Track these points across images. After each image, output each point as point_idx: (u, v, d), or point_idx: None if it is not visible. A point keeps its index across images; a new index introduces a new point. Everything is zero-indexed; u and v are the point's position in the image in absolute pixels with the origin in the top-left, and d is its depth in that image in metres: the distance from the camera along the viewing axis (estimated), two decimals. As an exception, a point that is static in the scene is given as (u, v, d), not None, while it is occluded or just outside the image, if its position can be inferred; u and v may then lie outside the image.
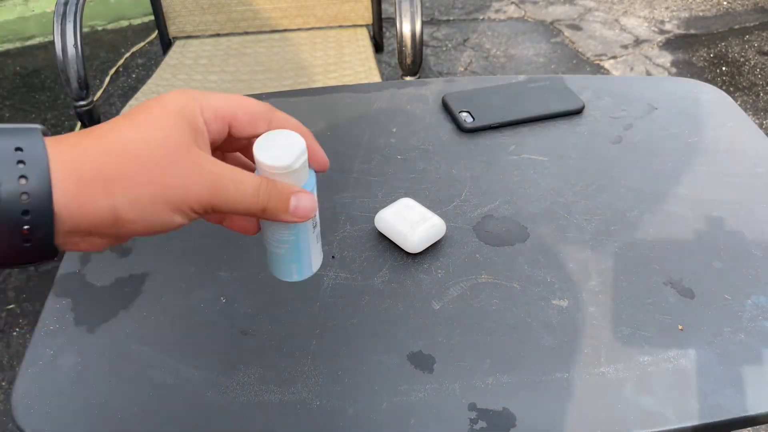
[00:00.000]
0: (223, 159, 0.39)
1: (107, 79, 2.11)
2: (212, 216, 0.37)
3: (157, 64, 1.34)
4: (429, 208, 0.62)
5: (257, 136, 0.36)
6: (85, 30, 2.31)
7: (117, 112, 1.92)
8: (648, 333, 0.51)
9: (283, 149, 0.36)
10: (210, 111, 0.34)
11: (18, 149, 0.29)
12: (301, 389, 0.47)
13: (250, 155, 0.38)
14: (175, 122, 0.32)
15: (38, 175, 0.28)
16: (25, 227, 0.28)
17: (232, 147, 0.38)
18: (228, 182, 0.33)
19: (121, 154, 0.30)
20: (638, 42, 2.29)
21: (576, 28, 2.38)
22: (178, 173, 0.31)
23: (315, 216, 0.39)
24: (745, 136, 0.72)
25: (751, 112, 1.94)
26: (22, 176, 0.28)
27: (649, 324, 0.52)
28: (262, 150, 0.36)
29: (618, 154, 0.69)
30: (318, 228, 0.41)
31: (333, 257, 0.57)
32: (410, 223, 0.57)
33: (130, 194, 0.30)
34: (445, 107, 0.76)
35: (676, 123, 0.74)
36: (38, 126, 0.31)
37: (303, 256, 0.41)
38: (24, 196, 0.28)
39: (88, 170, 0.30)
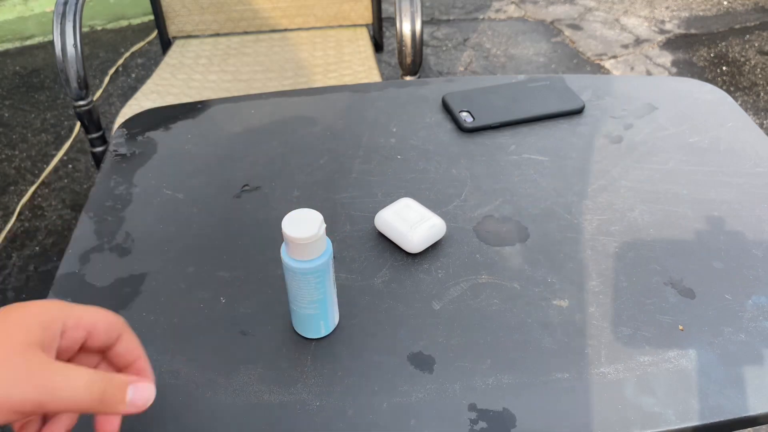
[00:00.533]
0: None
1: (107, 79, 2.11)
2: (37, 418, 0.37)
3: (156, 64, 1.34)
4: (429, 208, 0.62)
5: (109, 346, 0.39)
6: (84, 30, 2.31)
7: (116, 112, 1.92)
8: (648, 333, 0.51)
9: (306, 224, 0.44)
10: (73, 319, 0.36)
11: None
12: (301, 390, 0.47)
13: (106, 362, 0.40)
14: (27, 324, 0.34)
15: None
16: None
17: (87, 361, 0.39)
18: (59, 378, 0.33)
19: None
20: (639, 42, 2.29)
21: (576, 27, 2.38)
22: (12, 375, 0.32)
23: (333, 275, 0.48)
24: (746, 136, 0.72)
25: (751, 112, 1.94)
26: None
27: (650, 324, 0.51)
28: (288, 226, 0.44)
29: (618, 153, 0.69)
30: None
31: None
32: (410, 223, 0.57)
33: None
34: (445, 107, 0.76)
35: (677, 123, 0.74)
36: None
37: (329, 312, 0.49)
38: None
39: None
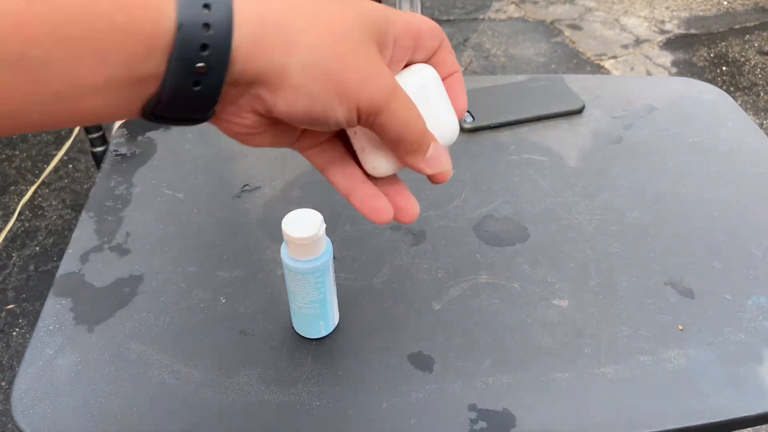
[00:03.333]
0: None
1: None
2: (338, 149, 0.33)
3: (157, 64, 1.33)
4: (429, 207, 0.62)
5: (434, 53, 0.33)
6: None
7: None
8: (648, 333, 0.51)
9: (306, 224, 0.44)
10: (402, 24, 0.30)
11: None
12: (301, 390, 0.47)
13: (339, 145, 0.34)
14: (369, 21, 0.29)
15: (222, 9, 0.25)
16: (199, 64, 0.24)
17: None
18: (402, 96, 0.28)
19: (311, 18, 0.27)
20: (638, 42, 2.29)
21: (576, 27, 2.38)
22: (363, 61, 0.27)
23: (333, 275, 0.48)
24: (746, 136, 0.72)
25: (751, 112, 1.94)
26: (206, 5, 0.24)
27: (650, 324, 0.51)
28: (288, 226, 0.44)
29: (618, 153, 0.69)
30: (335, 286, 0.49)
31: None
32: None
33: (307, 59, 0.26)
34: (445, 107, 0.76)
35: (677, 123, 0.74)
36: None
37: (329, 312, 0.49)
38: (206, 28, 0.24)
39: (272, 22, 0.26)
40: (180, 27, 0.24)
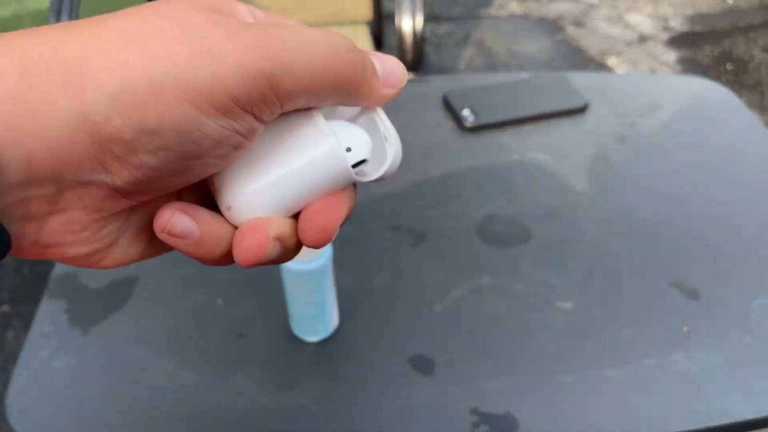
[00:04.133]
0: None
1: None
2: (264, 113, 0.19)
3: (156, 62, 1.33)
4: (430, 207, 0.61)
5: None
6: (85, 28, 2.31)
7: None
8: (653, 335, 0.50)
9: None
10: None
11: None
12: (299, 393, 0.46)
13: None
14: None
15: None
16: None
17: None
18: (289, 39, 0.19)
19: (99, 31, 0.18)
20: (642, 39, 2.28)
21: (579, 24, 2.37)
22: (203, 42, 0.17)
23: (332, 277, 0.46)
24: (751, 135, 0.71)
25: (756, 110, 1.93)
26: None
27: (654, 326, 0.51)
28: None
29: (622, 152, 0.69)
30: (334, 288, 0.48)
31: None
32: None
33: (115, 81, 0.17)
34: (447, 105, 0.75)
35: (681, 121, 0.73)
36: None
37: (328, 315, 0.48)
38: None
39: (43, 53, 0.17)
40: None
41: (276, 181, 0.20)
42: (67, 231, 0.18)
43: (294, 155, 0.20)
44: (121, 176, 0.18)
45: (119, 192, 0.18)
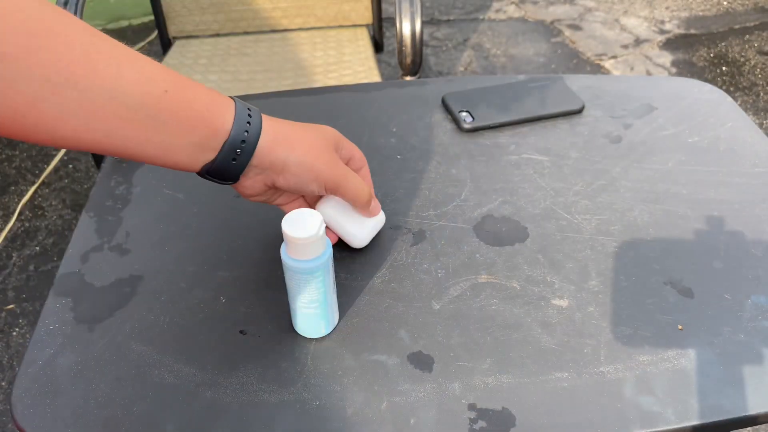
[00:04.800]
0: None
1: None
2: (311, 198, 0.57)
3: (157, 64, 1.33)
4: (429, 207, 0.62)
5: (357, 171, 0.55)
6: (85, 30, 2.31)
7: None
8: (648, 333, 0.51)
9: (306, 224, 0.45)
10: (346, 143, 0.54)
11: (248, 109, 0.47)
12: (300, 389, 0.47)
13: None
14: (328, 134, 0.52)
15: (255, 128, 0.47)
16: (237, 150, 0.46)
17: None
18: (351, 175, 0.51)
19: (301, 134, 0.49)
20: (638, 42, 2.29)
21: (576, 27, 2.38)
22: (327, 159, 0.50)
23: (333, 275, 0.50)
24: (745, 136, 0.72)
25: (751, 112, 1.94)
26: (248, 122, 0.46)
27: (649, 324, 0.52)
28: (288, 226, 0.45)
29: (618, 153, 0.69)
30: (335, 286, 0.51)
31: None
32: (354, 218, 0.55)
33: (299, 156, 0.48)
34: (445, 107, 0.76)
35: (676, 123, 0.74)
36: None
37: (329, 312, 0.50)
38: (246, 133, 0.46)
39: (282, 134, 0.48)
40: (232, 129, 0.46)
41: (372, 227, 0.57)
42: (252, 186, 0.50)
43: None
44: (273, 187, 0.51)
45: (274, 187, 0.51)
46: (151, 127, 0.42)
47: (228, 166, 0.46)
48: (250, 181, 0.49)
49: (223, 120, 0.45)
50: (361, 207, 0.53)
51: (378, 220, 0.58)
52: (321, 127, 0.52)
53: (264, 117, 0.48)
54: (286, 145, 0.48)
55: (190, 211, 0.63)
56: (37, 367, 0.49)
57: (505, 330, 0.51)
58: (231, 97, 0.48)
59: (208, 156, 0.46)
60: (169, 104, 0.42)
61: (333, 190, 0.50)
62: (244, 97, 0.79)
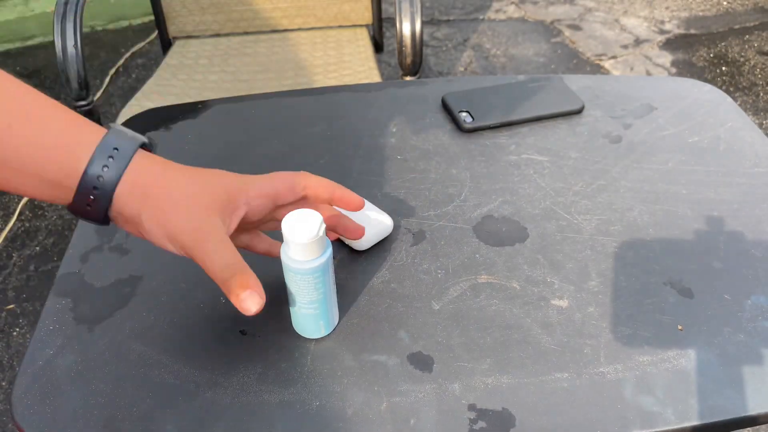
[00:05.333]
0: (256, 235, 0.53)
1: (107, 80, 2.11)
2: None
3: (157, 64, 1.34)
4: (428, 207, 0.62)
5: (295, 201, 0.49)
6: (85, 30, 2.31)
7: (117, 113, 1.92)
8: (647, 333, 0.51)
9: (305, 225, 0.45)
10: (255, 191, 0.46)
11: (115, 148, 0.41)
12: (300, 389, 0.47)
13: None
14: (215, 191, 0.44)
15: (112, 173, 0.41)
16: (91, 196, 0.41)
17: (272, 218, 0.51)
18: (210, 246, 0.43)
19: (167, 187, 0.43)
20: (638, 42, 2.29)
21: (576, 28, 2.38)
22: (188, 218, 0.43)
23: (333, 275, 0.48)
24: (745, 136, 0.72)
25: (750, 112, 1.94)
26: (105, 166, 0.41)
27: (649, 324, 0.52)
28: (288, 226, 0.44)
29: (618, 153, 0.70)
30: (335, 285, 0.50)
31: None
32: (358, 220, 0.56)
33: (150, 212, 0.42)
34: (445, 107, 0.76)
35: (676, 123, 0.74)
36: (144, 140, 0.43)
37: (329, 312, 0.49)
38: (100, 179, 0.41)
39: (140, 184, 0.42)
40: (85, 172, 0.40)
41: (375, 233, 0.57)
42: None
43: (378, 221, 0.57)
44: (141, 234, 0.46)
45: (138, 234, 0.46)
46: None
47: (86, 211, 0.42)
48: (129, 228, 0.45)
49: (77, 160, 0.40)
50: (220, 283, 0.43)
51: (384, 227, 0.58)
52: (217, 177, 0.45)
53: (141, 158, 0.42)
54: (141, 198, 0.42)
55: (190, 212, 0.63)
56: (37, 367, 0.49)
57: (505, 330, 0.51)
58: (111, 129, 0.42)
59: (65, 196, 0.41)
60: (10, 140, 0.38)
61: (190, 255, 0.43)
62: (244, 98, 0.79)
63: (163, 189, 0.42)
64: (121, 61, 2.21)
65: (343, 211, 0.54)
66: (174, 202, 0.42)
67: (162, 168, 0.43)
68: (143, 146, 0.44)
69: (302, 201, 0.50)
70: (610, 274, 0.56)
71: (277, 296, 0.54)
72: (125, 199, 0.42)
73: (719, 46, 2.25)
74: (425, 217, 0.62)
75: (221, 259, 0.42)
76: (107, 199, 0.41)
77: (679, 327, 0.51)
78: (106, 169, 0.40)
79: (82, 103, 1.08)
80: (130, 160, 0.41)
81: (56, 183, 0.41)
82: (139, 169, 0.42)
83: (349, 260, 0.57)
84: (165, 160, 0.44)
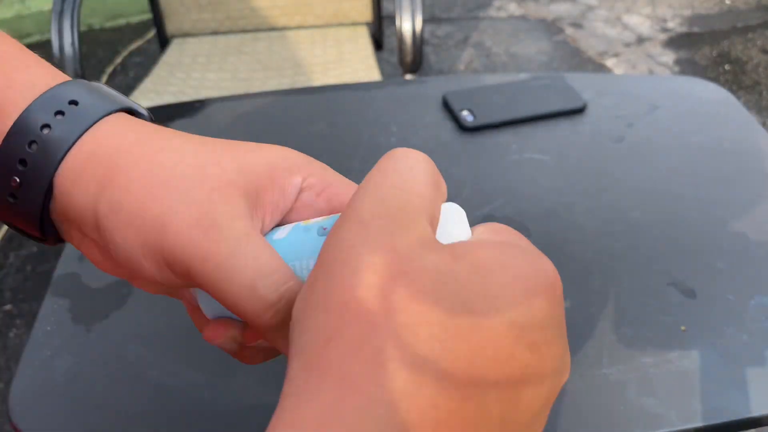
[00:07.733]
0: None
1: (105, 78, 2.11)
2: (189, 295, 0.29)
3: (154, 63, 1.33)
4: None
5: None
6: (82, 28, 2.31)
7: (117, 111, 1.91)
8: (650, 334, 0.50)
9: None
10: (325, 180, 0.29)
11: (72, 102, 0.24)
12: (299, 391, 0.47)
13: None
14: (248, 165, 0.25)
15: (64, 134, 0.23)
16: (15, 178, 0.23)
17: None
18: (242, 249, 0.22)
19: (148, 163, 0.24)
20: (641, 40, 2.28)
21: (578, 26, 2.38)
22: (177, 200, 0.23)
23: None
24: (749, 135, 0.71)
25: (754, 111, 1.93)
26: (46, 125, 0.23)
27: (652, 325, 0.51)
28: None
29: (620, 153, 0.69)
30: None
31: None
32: None
33: (116, 200, 0.23)
34: (446, 106, 0.76)
35: (679, 122, 0.73)
36: (131, 105, 0.27)
37: None
38: (33, 145, 0.23)
39: (105, 156, 0.24)
40: (7, 136, 0.23)
41: None
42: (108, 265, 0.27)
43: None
44: (106, 250, 0.26)
45: (100, 248, 0.27)
46: None
47: (9, 207, 0.24)
48: (76, 239, 0.26)
49: (13, 105, 0.23)
50: (265, 331, 0.24)
51: None
52: (256, 148, 0.26)
53: (116, 120, 0.25)
54: (104, 176, 0.23)
55: (189, 211, 0.62)
56: (34, 368, 0.48)
57: (507, 331, 0.51)
58: (75, 80, 0.25)
59: None
60: None
61: (187, 279, 0.24)
62: (242, 97, 0.79)
63: (146, 159, 0.24)
64: (119, 60, 2.20)
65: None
66: (163, 179, 0.23)
67: (151, 132, 0.26)
68: (131, 113, 0.27)
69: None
70: (613, 275, 0.55)
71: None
72: (75, 178, 0.23)
73: (722, 44, 2.24)
74: (426, 217, 0.61)
75: (253, 269, 0.23)
76: (43, 182, 0.23)
77: (682, 328, 0.51)
78: (47, 130, 0.23)
79: (81, 101, 1.08)
80: (94, 122, 0.24)
81: None
82: (107, 134, 0.24)
83: (349, 260, 0.57)
84: (159, 126, 0.27)
